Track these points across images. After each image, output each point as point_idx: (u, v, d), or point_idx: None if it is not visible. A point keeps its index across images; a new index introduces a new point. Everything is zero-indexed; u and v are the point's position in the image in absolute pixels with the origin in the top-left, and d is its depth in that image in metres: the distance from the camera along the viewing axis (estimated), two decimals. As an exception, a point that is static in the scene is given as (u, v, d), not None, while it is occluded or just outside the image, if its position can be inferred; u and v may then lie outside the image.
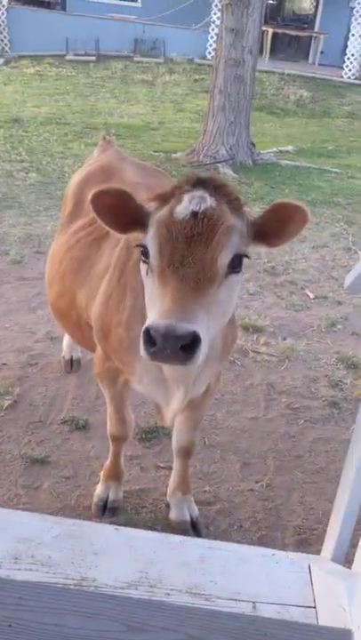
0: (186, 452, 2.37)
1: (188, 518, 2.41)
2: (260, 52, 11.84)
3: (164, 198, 1.50)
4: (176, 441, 2.36)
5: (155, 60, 16.05)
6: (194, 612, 1.39)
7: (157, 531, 2.33)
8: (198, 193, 1.45)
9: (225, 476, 2.75)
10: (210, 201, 1.44)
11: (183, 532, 2.32)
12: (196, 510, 2.45)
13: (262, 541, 2.40)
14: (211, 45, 15.65)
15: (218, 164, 8.09)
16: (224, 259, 1.41)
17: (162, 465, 2.74)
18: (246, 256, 1.49)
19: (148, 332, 1.30)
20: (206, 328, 1.35)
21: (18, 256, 4.86)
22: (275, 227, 1.53)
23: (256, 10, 8.01)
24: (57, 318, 2.65)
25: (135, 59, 16.03)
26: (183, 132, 10.06)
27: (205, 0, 12.13)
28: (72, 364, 3.45)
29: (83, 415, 3.06)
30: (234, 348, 2.19)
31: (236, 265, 1.45)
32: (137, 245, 1.52)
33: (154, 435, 2.91)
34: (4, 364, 3.43)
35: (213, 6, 14.46)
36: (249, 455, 2.90)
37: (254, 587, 1.61)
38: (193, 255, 1.38)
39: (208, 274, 1.38)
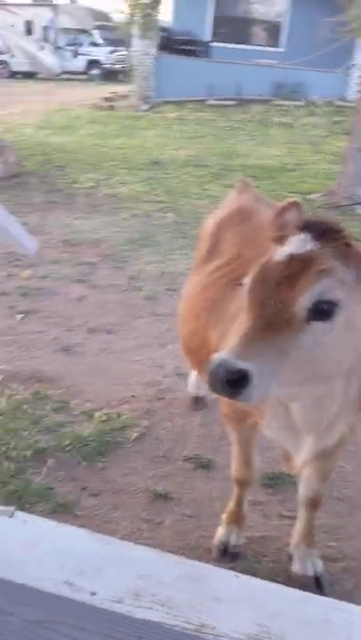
0: (313, 504, 2.27)
1: (311, 573, 2.30)
2: None
3: (280, 240, 1.47)
4: (303, 491, 2.27)
5: (295, 102, 16.19)
6: None
7: (278, 582, 2.24)
8: (302, 236, 1.41)
9: (353, 531, 2.60)
10: (310, 245, 1.39)
11: (305, 587, 2.21)
12: (320, 565, 2.33)
13: (391, 607, 2.23)
14: (352, 87, 15.52)
15: (356, 206, 7.93)
16: (304, 302, 1.34)
17: (286, 514, 2.65)
18: (336, 305, 1.36)
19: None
20: (272, 371, 1.32)
21: (151, 292, 5.02)
22: None
23: None
24: (187, 355, 2.68)
25: (275, 102, 16.26)
26: (320, 173, 9.99)
27: (348, 43, 12.08)
28: (198, 402, 3.47)
29: (207, 454, 3.05)
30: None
31: (323, 312, 1.34)
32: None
33: (278, 482, 2.83)
34: (133, 397, 3.52)
35: (356, 49, 14.38)
36: (379, 512, 2.73)
37: (382, 656, 1.48)
38: (276, 296, 1.35)
39: (283, 316, 1.33)
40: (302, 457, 1.79)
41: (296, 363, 1.36)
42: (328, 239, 1.40)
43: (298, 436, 1.80)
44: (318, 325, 1.35)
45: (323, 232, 1.41)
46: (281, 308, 1.34)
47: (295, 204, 1.54)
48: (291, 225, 1.48)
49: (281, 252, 1.41)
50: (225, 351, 1.32)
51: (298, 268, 1.36)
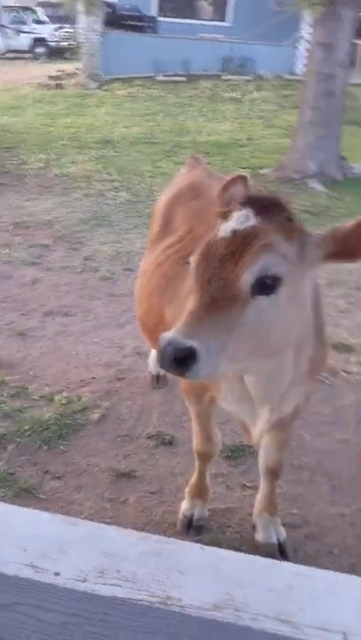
0: (273, 473, 2.31)
1: (275, 541, 2.35)
2: (352, 64, 11.64)
3: (224, 216, 1.47)
4: (263, 461, 2.31)
5: (243, 77, 16.15)
6: (281, 639, 1.34)
7: (242, 552, 2.28)
8: (243, 212, 1.41)
9: (313, 498, 2.66)
10: (252, 220, 1.39)
11: (269, 555, 2.26)
12: (283, 533, 2.38)
13: (353, 569, 2.30)
14: (300, 61, 15.57)
15: (307, 179, 7.99)
16: (248, 278, 1.34)
17: (248, 484, 2.70)
18: (280, 278, 1.36)
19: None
20: (219, 347, 1.32)
21: (108, 273, 4.98)
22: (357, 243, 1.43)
23: (348, 23, 7.90)
24: (145, 334, 2.67)
25: (224, 77, 16.20)
26: (271, 147, 10.02)
27: (294, 16, 12.07)
28: (158, 380, 3.47)
29: (168, 430, 3.06)
30: (324, 368, 2.12)
31: (267, 287, 1.35)
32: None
33: (240, 453, 2.87)
34: (94, 378, 3.51)
35: (302, 21, 14.40)
36: (339, 478, 2.79)
37: (345, 617, 1.52)
38: (220, 273, 1.36)
39: (228, 293, 1.34)
40: (259, 428, 1.81)
41: (243, 337, 1.36)
42: (270, 214, 1.40)
43: (254, 407, 1.82)
44: (263, 300, 1.36)
45: (265, 207, 1.41)
46: (225, 284, 1.35)
47: (240, 178, 1.55)
48: (236, 199, 1.48)
49: (224, 228, 1.41)
50: (173, 330, 1.33)
51: (240, 243, 1.37)
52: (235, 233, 1.38)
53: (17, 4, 25.61)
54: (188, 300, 1.49)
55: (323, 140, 8.21)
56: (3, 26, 24.81)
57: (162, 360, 1.32)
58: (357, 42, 14.97)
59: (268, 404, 1.76)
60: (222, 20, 19.24)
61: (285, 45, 16.26)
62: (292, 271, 1.38)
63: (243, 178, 1.56)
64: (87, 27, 15.73)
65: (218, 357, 1.33)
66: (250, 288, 1.34)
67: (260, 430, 1.87)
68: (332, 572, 2.06)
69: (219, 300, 1.34)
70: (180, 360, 1.30)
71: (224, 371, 1.41)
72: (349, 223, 1.43)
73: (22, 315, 4.24)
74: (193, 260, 1.44)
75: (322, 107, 8.13)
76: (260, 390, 1.74)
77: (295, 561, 2.27)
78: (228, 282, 1.34)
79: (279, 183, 7.99)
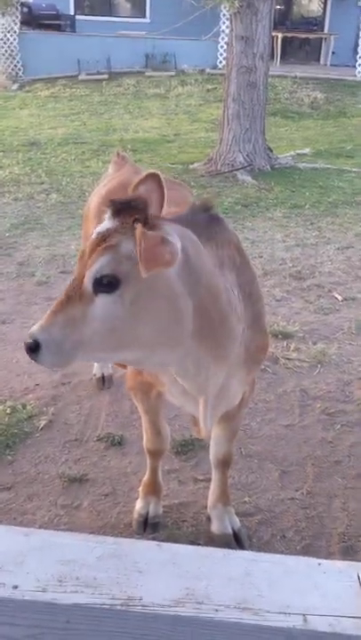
0: (224, 464, 2.35)
1: (230, 531, 2.39)
2: (272, 57, 11.85)
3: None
4: (213, 453, 2.34)
5: (166, 73, 16.18)
6: (244, 627, 1.36)
7: (200, 545, 2.30)
8: (106, 214, 1.50)
9: (264, 485, 2.72)
10: (109, 222, 1.48)
11: (226, 545, 2.30)
12: (237, 522, 2.42)
13: (307, 551, 2.36)
14: (221, 55, 15.74)
15: (236, 172, 8.10)
16: (88, 277, 1.45)
17: (200, 477, 2.72)
18: (117, 279, 1.43)
19: None
20: (63, 339, 1.47)
21: (44, 277, 4.90)
22: None
23: (265, 16, 8.03)
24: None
25: (147, 73, 16.18)
26: (199, 142, 10.10)
27: (213, 10, 12.17)
28: (104, 381, 3.46)
29: (118, 431, 3.06)
30: (265, 356, 2.16)
31: (106, 285, 1.44)
32: None
33: (190, 447, 2.90)
34: (37, 385, 3.46)
35: (222, 15, 14.54)
36: (287, 463, 2.86)
37: (303, 599, 1.57)
38: (77, 272, 1.50)
39: (76, 291, 1.47)
40: (205, 420, 1.83)
41: (91, 332, 1.47)
42: (124, 216, 1.46)
43: (196, 400, 1.84)
44: (104, 298, 1.45)
45: (119, 209, 1.47)
46: (75, 283, 1.48)
47: (152, 176, 1.57)
48: (151, 197, 1.53)
49: (95, 230, 1.52)
50: (36, 324, 1.51)
51: (94, 245, 1.47)
52: (97, 234, 1.49)
53: None
54: None
55: (248, 132, 8.33)
56: None
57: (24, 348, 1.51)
58: (276, 34, 15.26)
59: (204, 396, 1.78)
60: (142, 16, 19.18)
61: (206, 40, 16.35)
62: (135, 271, 1.41)
63: (154, 176, 1.58)
64: (4, 27, 15.38)
65: (61, 349, 1.48)
66: (92, 287, 1.45)
67: (206, 423, 1.89)
68: (287, 555, 2.12)
69: (70, 297, 1.48)
70: (30, 349, 1.48)
71: (81, 360, 1.55)
72: None
73: None
74: None
75: (245, 99, 8.24)
76: (187, 383, 1.77)
77: (251, 548, 2.32)
78: (76, 281, 1.48)
79: (209, 177, 8.06)
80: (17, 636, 1.13)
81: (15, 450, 2.91)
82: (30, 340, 1.48)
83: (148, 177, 1.58)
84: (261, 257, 5.33)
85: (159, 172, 1.61)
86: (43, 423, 3.10)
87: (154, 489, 2.50)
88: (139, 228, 1.37)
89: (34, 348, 1.48)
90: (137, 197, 1.49)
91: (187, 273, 1.49)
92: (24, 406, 3.23)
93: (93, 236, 1.50)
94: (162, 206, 1.56)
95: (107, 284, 1.43)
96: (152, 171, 1.63)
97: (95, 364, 3.45)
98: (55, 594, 1.43)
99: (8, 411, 3.17)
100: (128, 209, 1.45)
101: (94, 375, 3.47)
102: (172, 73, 16.33)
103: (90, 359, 1.66)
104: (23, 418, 3.13)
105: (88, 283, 1.45)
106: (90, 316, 1.46)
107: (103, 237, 1.46)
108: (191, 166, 8.56)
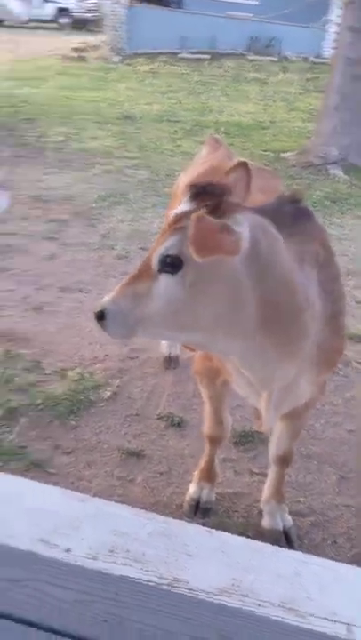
0: (283, 461, 2.32)
1: (280, 527, 2.37)
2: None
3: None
4: (274, 449, 2.31)
5: (269, 58, 15.93)
6: (286, 627, 1.34)
7: (248, 537, 2.30)
8: (186, 197, 1.52)
9: (321, 488, 2.67)
10: (186, 205, 1.50)
11: (275, 542, 2.28)
12: (289, 520, 2.40)
13: (356, 559, 2.32)
14: (328, 44, 15.31)
15: (328, 165, 7.90)
16: (156, 255, 1.49)
17: (256, 471, 2.71)
18: (180, 260, 1.45)
19: None
20: (127, 312, 1.53)
21: (124, 251, 4.97)
22: None
23: (379, 7, 7.73)
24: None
25: (249, 57, 15.98)
26: (294, 131, 9.91)
27: (325, -3, 11.87)
28: (171, 361, 3.48)
29: (179, 412, 3.08)
30: (339, 358, 2.10)
31: (169, 265, 1.47)
32: None
33: (249, 439, 2.88)
34: (107, 356, 3.52)
35: (333, 4, 14.12)
36: (347, 469, 2.80)
37: (350, 608, 1.53)
38: (150, 251, 1.54)
39: (145, 268, 1.52)
40: (267, 415, 1.81)
41: (151, 309, 1.51)
42: (200, 200, 1.47)
43: (260, 394, 1.81)
44: (166, 277, 1.48)
45: (197, 193, 1.48)
46: (146, 261, 1.53)
47: (242, 165, 1.59)
48: (237, 185, 1.56)
49: (173, 211, 1.55)
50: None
51: (169, 225, 1.51)
52: (175, 216, 1.51)
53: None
54: None
55: (347, 125, 8.08)
56: (28, -6, 24.51)
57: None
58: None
59: (268, 390, 1.75)
60: (251, -3, 18.91)
61: (314, 27, 15.97)
62: None
63: (244, 165, 1.60)
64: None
65: (125, 321, 1.55)
66: (157, 265, 1.49)
67: (271, 417, 1.87)
68: (339, 562, 2.08)
69: (140, 274, 1.53)
70: (98, 318, 1.55)
71: (143, 334, 1.60)
72: None
73: (38, 289, 4.26)
74: None
75: (348, 92, 7.99)
76: (252, 375, 1.75)
77: (300, 549, 2.29)
78: (147, 259, 1.52)
79: (300, 168, 7.91)
80: (67, 599, 1.16)
81: (79, 416, 2.98)
82: (99, 309, 1.55)
83: (238, 165, 1.60)
84: (346, 255, 5.20)
85: (249, 162, 1.61)
86: (107, 394, 3.16)
87: (209, 475, 2.50)
88: (197, 213, 1.36)
89: (100, 317, 1.56)
90: (215, 183, 1.49)
91: (255, 264, 1.46)
92: (91, 375, 3.30)
93: (170, 216, 1.53)
94: (247, 195, 1.59)
95: (170, 263, 1.47)
96: (243, 160, 1.63)
97: (164, 343, 3.48)
98: (105, 563, 1.46)
99: (76, 377, 3.24)
100: (205, 193, 1.47)
101: (162, 353, 3.50)
102: (275, 58, 16.07)
103: (151, 335, 1.69)
104: (90, 386, 3.20)
105: (155, 261, 1.49)
106: (153, 294, 1.50)
107: (177, 219, 1.49)
108: (283, 155, 8.42)
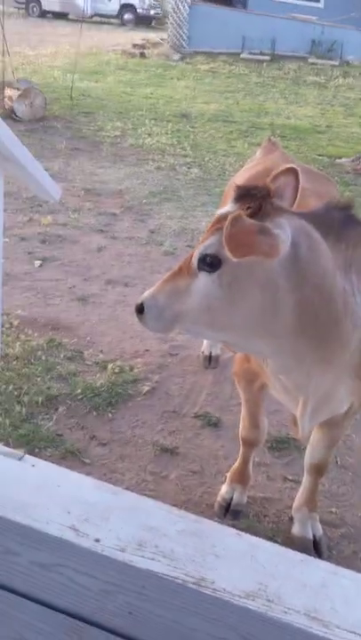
0: (318, 470, 2.29)
1: (310, 536, 2.34)
2: None
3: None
4: (309, 456, 2.28)
5: (330, 62, 15.72)
6: (310, 637, 1.34)
7: (277, 543, 2.28)
8: (231, 198, 1.54)
9: (354, 500, 2.63)
10: (230, 206, 1.51)
11: (304, 550, 2.25)
12: (320, 530, 2.37)
13: (386, 576, 2.27)
14: (392, 49, 15.03)
15: (384, 174, 7.76)
16: (197, 253, 1.51)
17: (289, 477, 2.68)
18: (219, 259, 1.47)
19: None
20: (165, 307, 1.57)
21: (171, 248, 4.99)
22: None
23: None
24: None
25: (310, 60, 15.82)
26: (351, 137, 9.75)
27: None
28: (210, 360, 3.48)
29: (216, 412, 3.07)
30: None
31: (208, 264, 1.49)
32: None
33: (285, 445, 2.85)
34: (147, 351, 3.54)
35: None
36: (382, 483, 2.75)
37: (376, 624, 1.50)
38: (193, 249, 1.57)
39: (186, 265, 1.55)
40: (303, 421, 1.79)
41: (189, 306, 1.54)
42: (244, 201, 1.47)
43: (297, 400, 1.79)
44: (204, 276, 1.50)
45: (241, 195, 1.49)
46: (189, 258, 1.56)
47: (291, 170, 1.61)
48: (286, 190, 1.59)
49: (218, 212, 1.59)
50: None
51: (212, 225, 1.54)
52: (218, 216, 1.54)
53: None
54: None
55: None
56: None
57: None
58: None
59: (304, 396, 1.73)
60: (316, 0, 18.70)
61: (378, 32, 15.71)
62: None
63: (293, 170, 1.62)
64: (177, -3, 15.57)
65: (162, 316, 1.59)
66: (197, 263, 1.51)
67: (306, 425, 1.85)
68: (367, 576, 2.01)
69: (180, 270, 1.57)
70: (138, 311, 1.62)
71: (180, 330, 1.67)
72: None
73: (85, 280, 4.31)
74: None
75: None
76: (288, 380, 1.75)
77: (329, 560, 2.26)
78: (189, 257, 1.55)
79: (355, 174, 7.78)
80: (92, 588, 1.17)
81: (116, 409, 3.01)
82: (139, 302, 1.61)
83: (286, 170, 1.62)
84: None
85: (298, 167, 1.63)
86: (146, 389, 3.18)
87: (242, 477, 2.49)
88: (235, 213, 1.38)
89: (140, 310, 1.61)
90: (259, 186, 1.49)
91: (294, 268, 1.46)
92: (131, 369, 3.32)
93: (215, 216, 1.56)
94: (295, 199, 1.61)
95: (209, 263, 1.49)
96: (291, 165, 1.66)
97: (205, 342, 3.48)
98: (133, 556, 1.47)
99: (116, 370, 3.27)
100: (249, 196, 1.47)
101: (202, 352, 3.50)
102: (336, 63, 15.85)
103: (189, 332, 1.75)
104: (129, 380, 3.22)
105: (195, 259, 1.52)
106: (191, 291, 1.53)
107: (219, 219, 1.50)
108: (338, 161, 8.30)
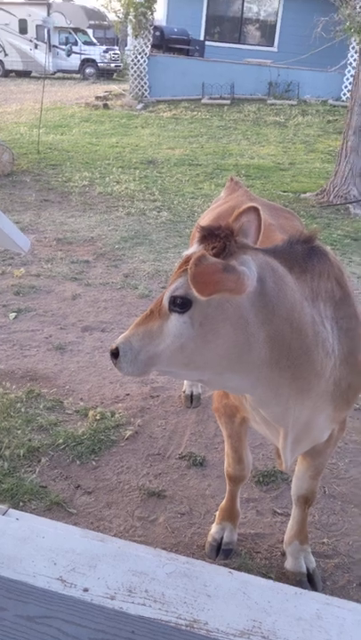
0: (306, 501, 2.28)
1: (304, 570, 2.31)
2: None
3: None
4: (295, 488, 2.28)
5: (288, 102, 16.23)
6: (309, 672, 1.31)
7: (271, 579, 2.25)
8: (196, 239, 1.56)
9: (345, 529, 2.61)
10: (195, 247, 1.52)
11: (298, 584, 2.23)
12: (313, 562, 2.34)
13: (383, 604, 2.25)
14: (346, 87, 15.58)
15: (349, 205, 7.96)
16: (166, 295, 1.53)
17: (279, 511, 2.67)
18: (189, 300, 1.48)
19: None
20: (139, 350, 1.57)
21: (146, 290, 5.03)
22: None
23: (395, 50, 7.88)
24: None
25: (268, 101, 16.30)
26: (314, 172, 10.02)
27: (342, 42, 12.10)
28: (192, 399, 3.48)
29: (201, 452, 3.05)
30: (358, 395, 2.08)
31: (178, 305, 1.50)
32: None
33: (272, 479, 2.84)
34: (128, 395, 3.53)
35: (351, 48, 14.42)
36: (372, 509, 2.74)
37: (373, 654, 1.48)
38: (164, 292, 1.59)
39: (156, 306, 1.57)
40: (285, 452, 1.80)
41: (165, 347, 1.54)
42: (208, 242, 1.50)
43: (278, 431, 1.80)
44: (175, 317, 1.52)
45: (205, 235, 1.51)
46: (160, 300, 1.57)
47: (252, 209, 1.63)
48: (249, 227, 1.61)
49: (184, 253, 1.60)
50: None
51: (180, 266, 1.55)
52: (184, 257, 1.57)
53: (69, 25, 26.25)
54: None
55: (366, 166, 8.17)
56: (55, 46, 25.50)
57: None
58: None
59: (284, 427, 1.74)
60: (269, 44, 19.42)
61: (332, 71, 16.28)
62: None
63: (254, 209, 1.64)
64: (136, 49, 16.05)
65: (137, 358, 1.59)
66: (168, 304, 1.53)
67: (289, 456, 1.85)
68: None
69: (152, 313, 1.58)
70: (112, 356, 1.61)
71: (155, 372, 1.65)
72: None
73: (61, 329, 4.31)
74: None
75: (366, 133, 8.11)
76: (266, 412, 1.76)
77: (324, 591, 2.23)
78: (160, 299, 1.57)
79: (320, 208, 7.97)
80: (82, 637, 1.15)
81: (100, 456, 2.98)
82: (114, 347, 1.60)
83: (248, 209, 1.65)
84: None
85: (259, 206, 1.66)
86: (128, 433, 3.16)
87: (231, 515, 2.47)
88: (197, 253, 1.40)
89: (115, 355, 1.60)
90: (222, 226, 1.52)
91: (262, 302, 1.49)
92: (112, 414, 3.30)
93: (182, 258, 1.57)
94: (259, 236, 1.64)
95: (180, 304, 1.50)
96: (252, 204, 1.68)
97: (185, 382, 3.48)
98: (123, 603, 1.45)
99: (98, 417, 3.25)
100: (213, 236, 1.50)
101: (183, 392, 3.50)
102: (294, 102, 16.36)
103: (164, 373, 1.75)
104: (111, 426, 3.20)
105: (165, 301, 1.53)
106: (164, 332, 1.54)
107: (187, 260, 1.51)
108: (303, 196, 8.51)
